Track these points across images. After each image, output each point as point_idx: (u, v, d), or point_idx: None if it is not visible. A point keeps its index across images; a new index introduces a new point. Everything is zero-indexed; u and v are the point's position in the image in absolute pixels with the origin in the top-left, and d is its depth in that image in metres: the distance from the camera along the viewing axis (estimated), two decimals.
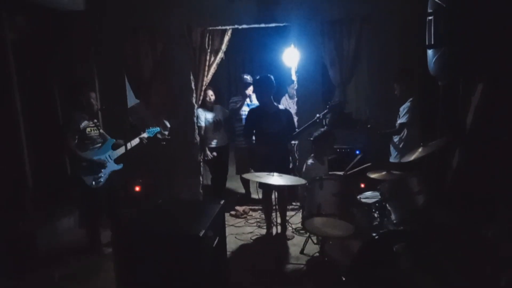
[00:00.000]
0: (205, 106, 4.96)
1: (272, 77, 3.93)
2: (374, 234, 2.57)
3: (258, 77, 4.14)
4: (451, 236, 2.10)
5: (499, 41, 2.02)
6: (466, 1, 2.17)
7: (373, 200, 3.19)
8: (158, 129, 4.24)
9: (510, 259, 1.73)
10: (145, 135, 4.05)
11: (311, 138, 3.81)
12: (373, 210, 3.02)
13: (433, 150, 2.96)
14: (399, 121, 3.90)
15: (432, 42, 2.26)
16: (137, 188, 4.48)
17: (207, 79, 4.86)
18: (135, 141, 3.94)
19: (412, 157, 3.05)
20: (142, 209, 2.86)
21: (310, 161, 3.75)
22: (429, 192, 2.76)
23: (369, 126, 4.21)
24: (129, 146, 3.60)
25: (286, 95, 5.68)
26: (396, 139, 4.00)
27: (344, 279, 2.58)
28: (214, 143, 5.05)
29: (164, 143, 4.77)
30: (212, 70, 4.87)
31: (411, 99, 3.86)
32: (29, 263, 3.51)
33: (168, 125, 4.96)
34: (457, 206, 2.81)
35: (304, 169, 3.80)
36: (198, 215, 2.51)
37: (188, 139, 4.85)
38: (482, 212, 2.35)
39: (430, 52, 2.35)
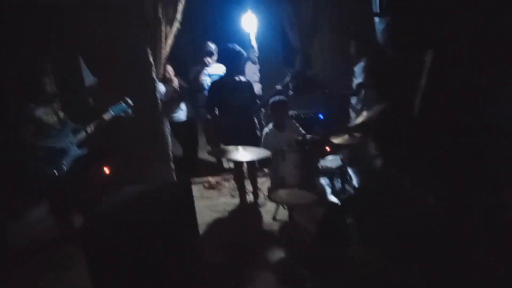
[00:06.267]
0: (164, 80, 4.84)
1: (237, 47, 3.80)
2: (336, 202, 2.68)
3: (222, 48, 4.00)
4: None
5: (442, 11, 1.99)
6: None
7: (335, 165, 3.28)
8: (125, 106, 3.95)
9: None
10: (109, 114, 3.87)
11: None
12: (336, 176, 3.12)
13: (373, 114, 2.98)
14: (356, 82, 3.93)
15: (378, 11, 2.22)
16: (104, 172, 4.39)
17: (166, 51, 4.68)
18: (100, 122, 3.77)
19: (359, 120, 3.10)
20: (109, 197, 2.81)
21: (266, 129, 3.77)
22: (385, 155, 2.84)
23: (326, 90, 4.21)
24: (89, 129, 3.51)
25: (249, 61, 5.57)
26: (354, 101, 4.04)
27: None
28: (180, 117, 4.99)
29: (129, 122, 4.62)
30: (170, 41, 4.68)
31: (364, 59, 3.87)
32: None
33: (131, 103, 4.80)
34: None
35: (262, 138, 3.83)
36: (159, 201, 2.52)
37: (152, 116, 4.74)
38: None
39: (377, 20, 2.31)
